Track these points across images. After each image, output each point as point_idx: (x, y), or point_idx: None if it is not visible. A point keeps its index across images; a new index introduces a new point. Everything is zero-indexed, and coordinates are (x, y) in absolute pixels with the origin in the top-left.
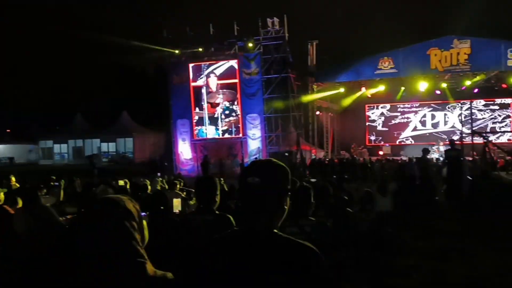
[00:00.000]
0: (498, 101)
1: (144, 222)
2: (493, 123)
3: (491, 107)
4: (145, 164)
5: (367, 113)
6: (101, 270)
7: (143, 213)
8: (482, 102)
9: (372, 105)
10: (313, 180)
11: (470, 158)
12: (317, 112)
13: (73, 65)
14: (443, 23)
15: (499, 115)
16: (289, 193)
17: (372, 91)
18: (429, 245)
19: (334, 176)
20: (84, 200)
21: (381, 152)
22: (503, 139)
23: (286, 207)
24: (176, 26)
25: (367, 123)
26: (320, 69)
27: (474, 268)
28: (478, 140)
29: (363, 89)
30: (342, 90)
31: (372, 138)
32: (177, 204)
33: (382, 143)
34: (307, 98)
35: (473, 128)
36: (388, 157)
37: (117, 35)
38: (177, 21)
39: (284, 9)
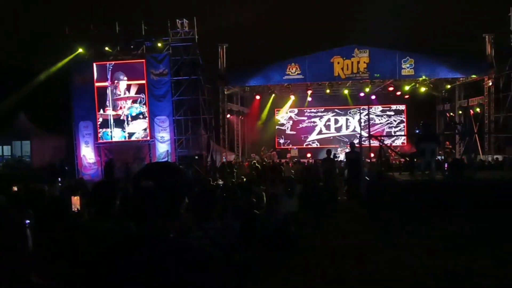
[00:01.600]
0: (393, 107)
1: (28, 231)
2: (389, 127)
3: (387, 112)
4: (44, 169)
5: (277, 117)
6: None
7: (27, 221)
8: (380, 108)
9: (281, 109)
10: (220, 182)
11: (368, 160)
12: (228, 115)
13: None
14: (346, 33)
15: (394, 120)
16: (186, 196)
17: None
18: (330, 243)
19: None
20: None
21: (289, 155)
22: (398, 142)
23: (182, 211)
24: (79, 24)
25: (276, 127)
26: (230, 72)
27: (370, 263)
28: (376, 143)
29: (271, 93)
30: (252, 93)
31: (281, 141)
32: (76, 202)
33: (290, 146)
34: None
35: (371, 132)
36: (295, 160)
37: (15, 31)
38: (81, 18)
39: (194, 11)
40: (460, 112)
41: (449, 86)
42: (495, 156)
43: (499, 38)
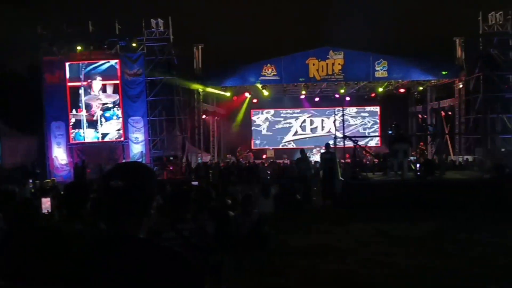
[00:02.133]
0: (368, 108)
1: None
2: (364, 129)
3: (362, 114)
4: (15, 170)
5: (253, 118)
6: None
7: None
8: (354, 109)
9: (257, 110)
10: (195, 183)
11: (343, 161)
12: (204, 116)
13: None
14: (321, 35)
15: (369, 122)
16: (156, 196)
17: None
18: (305, 243)
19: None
20: None
21: (265, 156)
22: (372, 143)
23: (152, 211)
24: (52, 22)
25: (252, 128)
26: (206, 73)
27: (344, 263)
28: (350, 144)
29: (247, 94)
30: (228, 94)
31: (257, 142)
32: (46, 203)
33: (266, 147)
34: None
35: (346, 133)
36: (272, 160)
37: None
38: (53, 17)
39: (170, 11)
40: (432, 113)
41: (421, 88)
42: (465, 157)
43: (469, 41)
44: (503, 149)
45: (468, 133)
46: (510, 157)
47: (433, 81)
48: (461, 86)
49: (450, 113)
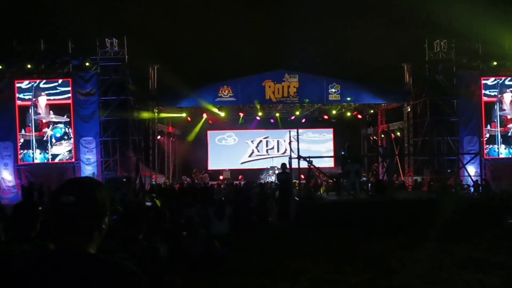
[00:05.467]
0: (322, 130)
1: None
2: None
3: (316, 135)
4: None
5: (209, 139)
6: None
7: None
8: (309, 131)
9: (213, 131)
10: (148, 204)
11: (298, 181)
12: (158, 137)
13: None
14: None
15: (323, 143)
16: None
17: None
18: (258, 264)
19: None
20: None
21: (221, 177)
22: (326, 164)
23: (104, 227)
24: (1, 40)
25: (209, 149)
26: (161, 93)
27: (299, 282)
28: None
29: (204, 115)
30: (184, 115)
31: (214, 163)
32: None
33: (222, 168)
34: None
35: (300, 154)
36: (227, 181)
37: None
38: (3, 34)
39: (124, 30)
40: (383, 135)
41: (372, 111)
42: (414, 177)
43: (416, 67)
44: (449, 170)
45: (416, 154)
46: (455, 178)
47: (383, 104)
48: (409, 109)
49: (399, 134)
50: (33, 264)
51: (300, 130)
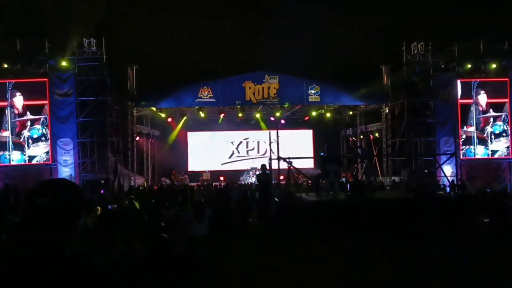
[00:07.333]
0: (301, 131)
1: None
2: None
3: (296, 136)
4: None
5: (189, 140)
6: None
7: None
8: (289, 132)
9: (193, 132)
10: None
11: (278, 182)
12: (137, 138)
13: None
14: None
15: (302, 144)
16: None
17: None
18: (238, 265)
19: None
20: None
21: (201, 178)
22: (305, 165)
23: (79, 229)
24: None
25: (188, 150)
26: (140, 94)
27: (278, 283)
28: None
29: (183, 116)
30: (163, 115)
31: (193, 164)
32: None
33: (202, 169)
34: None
35: (280, 155)
36: (206, 183)
37: None
38: None
39: (102, 30)
40: (361, 136)
41: (351, 113)
42: (392, 178)
43: (394, 69)
44: (426, 170)
45: (394, 155)
46: (432, 178)
47: (362, 106)
48: (387, 111)
49: (378, 135)
50: (6, 267)
51: (280, 131)
